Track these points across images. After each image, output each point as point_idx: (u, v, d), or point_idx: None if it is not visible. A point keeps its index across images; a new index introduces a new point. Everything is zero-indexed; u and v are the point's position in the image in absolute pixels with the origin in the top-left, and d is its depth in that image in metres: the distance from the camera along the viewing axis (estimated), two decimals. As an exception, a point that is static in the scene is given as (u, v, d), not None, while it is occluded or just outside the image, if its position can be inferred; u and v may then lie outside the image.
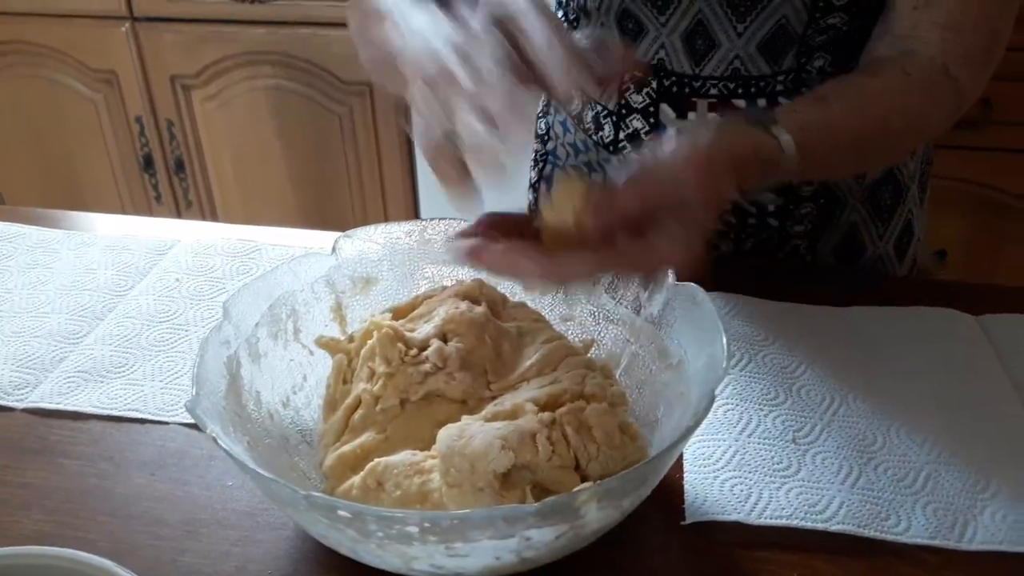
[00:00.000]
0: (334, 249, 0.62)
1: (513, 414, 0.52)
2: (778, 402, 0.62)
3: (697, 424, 0.47)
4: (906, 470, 0.57)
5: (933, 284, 0.92)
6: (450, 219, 0.65)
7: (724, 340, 0.51)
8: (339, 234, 0.63)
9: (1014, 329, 0.69)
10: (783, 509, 0.54)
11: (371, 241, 0.64)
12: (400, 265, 0.65)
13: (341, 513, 0.42)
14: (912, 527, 0.53)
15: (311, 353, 0.60)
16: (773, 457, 0.58)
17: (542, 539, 0.45)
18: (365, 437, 0.54)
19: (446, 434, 0.50)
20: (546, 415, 0.51)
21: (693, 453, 0.59)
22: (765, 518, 0.54)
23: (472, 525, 0.41)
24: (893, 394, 0.63)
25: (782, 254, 0.81)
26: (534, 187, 0.92)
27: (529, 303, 0.63)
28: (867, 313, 0.71)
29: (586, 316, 0.64)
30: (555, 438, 0.50)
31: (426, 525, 0.41)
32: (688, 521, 0.54)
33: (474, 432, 0.50)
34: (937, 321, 0.70)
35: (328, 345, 0.60)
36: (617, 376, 0.59)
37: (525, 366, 0.57)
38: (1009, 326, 0.70)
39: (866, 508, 0.54)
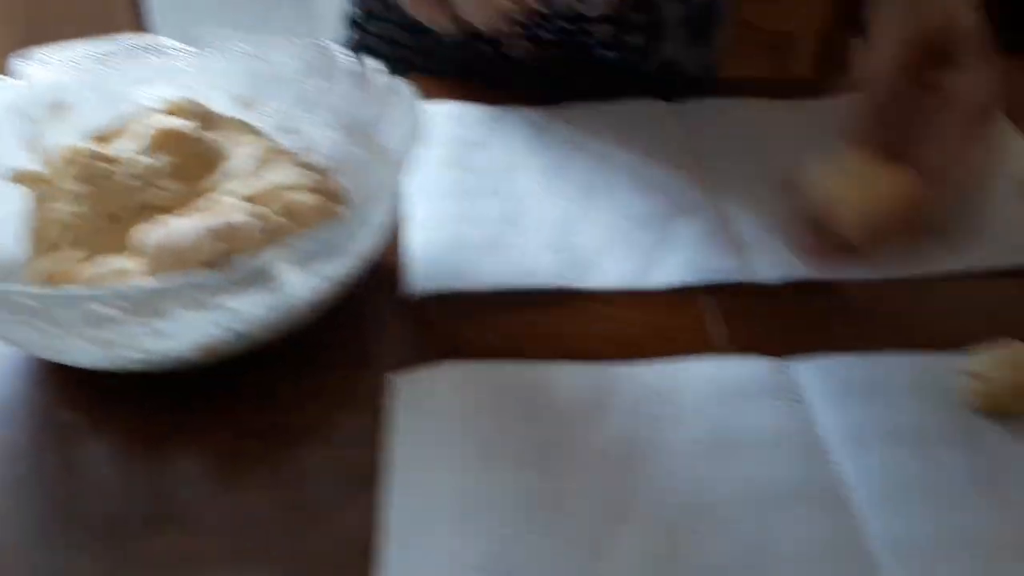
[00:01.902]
0: (15, 74, 0.59)
1: (224, 210, 0.53)
2: (492, 189, 0.66)
3: (393, 189, 0.49)
4: (605, 232, 0.63)
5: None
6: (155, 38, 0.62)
7: (418, 121, 0.53)
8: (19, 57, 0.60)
9: (700, 110, 0.78)
10: (492, 275, 0.59)
11: (60, 62, 0.60)
12: (98, 88, 0.62)
13: (24, 301, 0.41)
14: (606, 276, 0.60)
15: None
16: (489, 236, 0.62)
17: (251, 312, 0.46)
18: (71, 254, 0.53)
19: (152, 232, 0.50)
20: (258, 208, 0.52)
21: (415, 235, 0.62)
22: (478, 284, 0.58)
23: (162, 294, 0.42)
24: (594, 171, 0.69)
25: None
26: None
27: (243, 117, 0.63)
28: (581, 110, 0.76)
29: (304, 125, 0.64)
30: (269, 227, 0.51)
31: (116, 301, 0.42)
32: (411, 295, 0.58)
33: (182, 227, 0.50)
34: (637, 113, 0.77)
35: (24, 178, 0.57)
36: (333, 177, 0.60)
37: (236, 168, 0.57)
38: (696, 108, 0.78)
39: (568, 266, 0.60)
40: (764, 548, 0.44)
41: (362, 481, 0.47)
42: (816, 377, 0.53)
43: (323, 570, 0.43)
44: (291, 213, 0.52)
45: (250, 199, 0.53)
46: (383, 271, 0.60)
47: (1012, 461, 0.49)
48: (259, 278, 0.44)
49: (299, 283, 0.46)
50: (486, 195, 0.66)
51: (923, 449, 0.49)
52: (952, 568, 0.43)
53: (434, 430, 0.49)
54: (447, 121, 0.73)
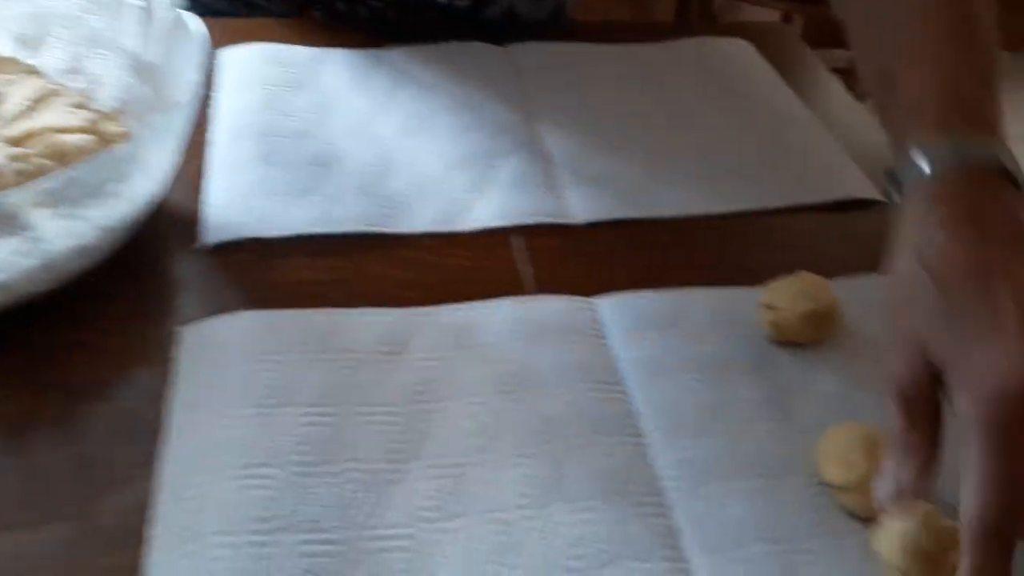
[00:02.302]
0: None
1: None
2: (304, 132, 0.64)
3: (177, 131, 0.46)
4: (420, 176, 0.61)
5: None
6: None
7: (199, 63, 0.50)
8: None
9: (531, 53, 0.77)
10: (295, 220, 0.57)
11: None
12: None
13: None
14: (417, 220, 0.58)
15: None
16: (295, 181, 0.60)
17: (6, 259, 0.43)
18: None
19: None
20: (18, 149, 0.48)
21: (216, 181, 0.59)
22: (279, 230, 0.56)
23: None
24: (417, 113, 0.67)
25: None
26: None
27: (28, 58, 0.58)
28: (406, 52, 0.74)
29: (91, 65, 0.60)
30: (28, 169, 0.47)
31: None
32: (203, 245, 0.55)
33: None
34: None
35: None
36: (117, 119, 0.56)
37: (8, 110, 0.53)
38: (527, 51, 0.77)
39: (378, 211, 0.58)
40: (556, 480, 0.44)
41: (151, 436, 0.44)
42: (619, 313, 0.53)
43: (113, 527, 0.41)
44: (59, 155, 0.48)
45: (15, 141, 0.49)
46: (180, 219, 0.57)
47: (800, 387, 0.50)
48: (4, 222, 0.41)
49: (54, 228, 0.43)
50: (297, 138, 0.63)
51: (718, 378, 0.50)
52: (731, 486, 0.44)
53: (218, 380, 0.46)
54: (263, 62, 0.70)
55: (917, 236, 0.40)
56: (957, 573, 0.38)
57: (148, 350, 0.49)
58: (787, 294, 0.52)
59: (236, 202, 0.57)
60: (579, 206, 0.60)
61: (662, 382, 0.49)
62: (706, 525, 0.42)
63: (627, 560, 0.41)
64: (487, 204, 0.60)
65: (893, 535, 0.40)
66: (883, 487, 0.41)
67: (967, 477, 0.36)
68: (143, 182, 0.48)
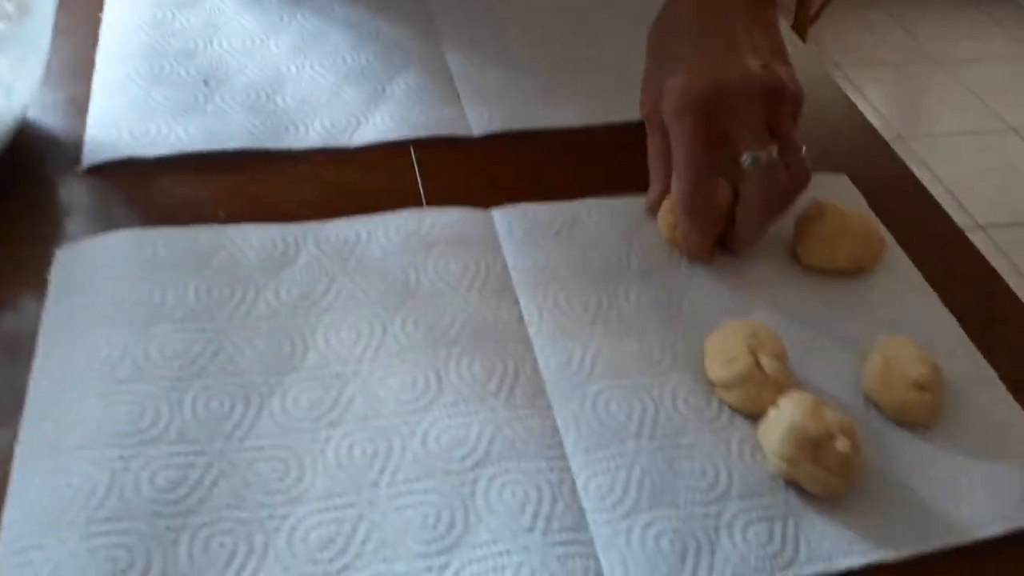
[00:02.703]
0: None
1: None
2: (191, 51, 0.61)
3: (37, 49, 0.44)
4: (312, 91, 0.60)
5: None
6: None
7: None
8: None
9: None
10: (180, 138, 0.55)
11: None
12: None
13: None
14: (309, 135, 0.56)
15: None
16: (181, 99, 0.58)
17: None
18: None
19: None
20: None
21: (98, 104, 0.57)
22: (163, 149, 0.54)
23: None
24: (310, 30, 0.65)
25: None
26: None
27: None
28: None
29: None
30: None
31: None
32: (84, 166, 0.53)
33: None
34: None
35: None
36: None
37: None
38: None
39: (267, 127, 0.56)
40: (437, 386, 0.43)
41: (27, 359, 0.43)
42: (514, 223, 0.52)
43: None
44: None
45: None
46: (65, 141, 0.55)
47: (691, 288, 0.50)
48: None
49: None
50: (183, 57, 0.61)
51: (608, 281, 0.49)
52: (614, 386, 0.44)
53: (90, 299, 0.45)
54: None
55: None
56: (839, 447, 0.39)
57: (28, 273, 0.48)
58: None
59: (119, 122, 0.55)
60: (475, 119, 0.59)
61: (554, 288, 0.49)
62: (587, 425, 0.42)
63: (507, 460, 0.41)
64: (381, 118, 0.58)
65: (779, 426, 0.41)
66: (647, 198, 0.53)
67: (675, 169, 0.49)
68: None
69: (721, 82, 0.47)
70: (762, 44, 0.50)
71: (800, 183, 0.49)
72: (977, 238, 1.74)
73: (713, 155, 0.49)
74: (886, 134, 2.04)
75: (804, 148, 0.49)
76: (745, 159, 0.48)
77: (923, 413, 0.44)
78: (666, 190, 0.52)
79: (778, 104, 0.48)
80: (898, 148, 0.63)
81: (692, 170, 0.48)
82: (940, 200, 0.59)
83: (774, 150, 0.48)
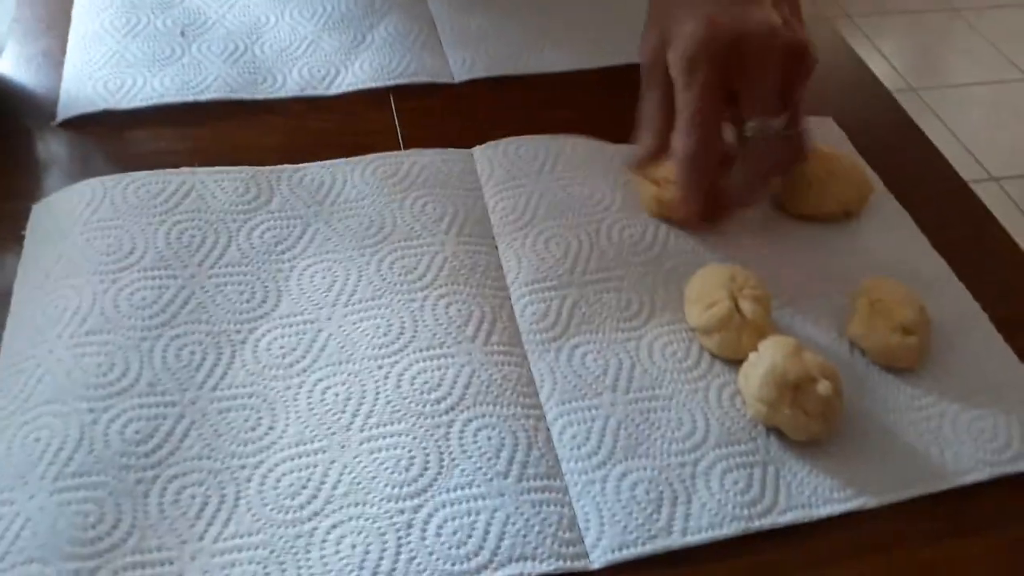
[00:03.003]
0: None
1: None
2: (173, 3, 0.60)
3: None
4: (291, 40, 0.58)
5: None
6: None
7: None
8: None
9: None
10: (156, 90, 0.54)
11: None
12: None
13: None
14: (287, 84, 0.55)
15: None
16: (157, 51, 0.56)
17: None
18: None
19: None
20: None
21: (73, 57, 0.56)
22: (139, 101, 0.53)
23: None
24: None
25: None
26: None
27: None
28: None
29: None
30: None
31: None
32: (59, 120, 0.52)
33: None
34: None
35: None
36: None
37: None
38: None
39: (244, 77, 0.55)
40: (411, 330, 0.42)
41: (2, 315, 0.43)
42: (494, 161, 0.51)
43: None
44: None
45: None
46: (41, 96, 0.54)
47: (671, 235, 0.48)
48: None
49: None
50: (159, 7, 0.59)
51: (587, 222, 0.48)
52: (591, 336, 0.43)
53: (60, 251, 0.44)
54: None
55: None
56: (820, 390, 0.39)
57: (4, 228, 0.47)
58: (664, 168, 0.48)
59: (94, 75, 0.54)
60: (457, 65, 0.57)
61: (533, 232, 0.47)
62: (563, 378, 0.41)
63: (482, 405, 0.40)
64: (360, 66, 0.57)
65: (758, 369, 0.40)
66: (635, 155, 0.48)
67: (678, 122, 0.44)
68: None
69: (742, 33, 0.42)
70: None
71: (798, 159, 0.46)
72: (991, 190, 1.70)
73: (722, 114, 0.44)
74: (898, 85, 2.00)
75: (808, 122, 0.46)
76: (750, 127, 0.44)
77: (908, 357, 0.43)
78: (659, 150, 0.47)
79: (797, 67, 0.43)
80: (911, 99, 0.61)
81: (701, 127, 0.44)
82: (953, 152, 0.58)
83: (782, 121, 0.44)
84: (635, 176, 0.50)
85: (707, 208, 0.47)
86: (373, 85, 0.56)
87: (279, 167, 0.49)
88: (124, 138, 0.52)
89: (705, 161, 0.45)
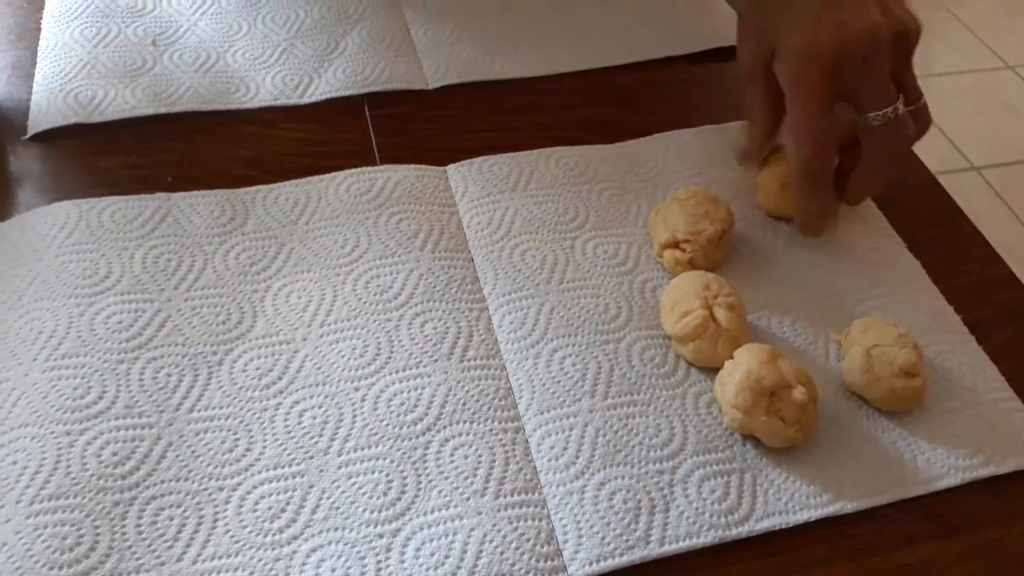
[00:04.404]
0: None
1: None
2: (139, 10, 0.60)
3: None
4: (263, 48, 0.58)
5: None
6: None
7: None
8: None
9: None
10: (127, 102, 0.53)
11: None
12: None
13: None
14: (259, 94, 0.55)
15: None
16: (128, 61, 0.56)
17: None
18: None
19: None
20: None
21: (43, 69, 0.55)
22: (110, 114, 0.53)
23: None
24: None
25: None
26: None
27: None
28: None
29: None
30: None
31: None
32: (29, 135, 0.52)
33: None
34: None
35: None
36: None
37: None
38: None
39: (217, 87, 0.55)
40: (388, 349, 0.42)
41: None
42: (469, 179, 0.51)
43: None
44: None
45: None
46: (11, 109, 0.54)
47: (645, 244, 0.49)
48: None
49: None
50: (130, 17, 0.59)
51: (564, 235, 0.48)
52: (569, 344, 0.43)
53: (32, 273, 0.44)
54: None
55: None
56: (795, 396, 0.39)
57: (-27, 247, 0.47)
58: (682, 217, 0.47)
59: (65, 88, 0.54)
60: (431, 71, 0.57)
61: (509, 245, 0.48)
62: (541, 384, 0.42)
63: (459, 423, 0.40)
64: (333, 73, 0.56)
65: (734, 376, 0.40)
66: (743, 145, 0.50)
67: (793, 134, 0.46)
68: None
69: (847, 40, 0.43)
70: None
71: (922, 131, 0.46)
72: (972, 180, 1.71)
73: (834, 116, 0.45)
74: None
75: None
76: (873, 118, 0.44)
77: (915, 398, 0.42)
78: (765, 142, 0.49)
79: (904, 50, 0.44)
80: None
81: (818, 134, 0.45)
82: (935, 141, 0.58)
83: (901, 103, 0.44)
84: (756, 175, 0.51)
85: (827, 211, 0.48)
86: (347, 93, 0.55)
87: (254, 188, 0.49)
88: (96, 152, 0.52)
89: (821, 169, 0.46)
